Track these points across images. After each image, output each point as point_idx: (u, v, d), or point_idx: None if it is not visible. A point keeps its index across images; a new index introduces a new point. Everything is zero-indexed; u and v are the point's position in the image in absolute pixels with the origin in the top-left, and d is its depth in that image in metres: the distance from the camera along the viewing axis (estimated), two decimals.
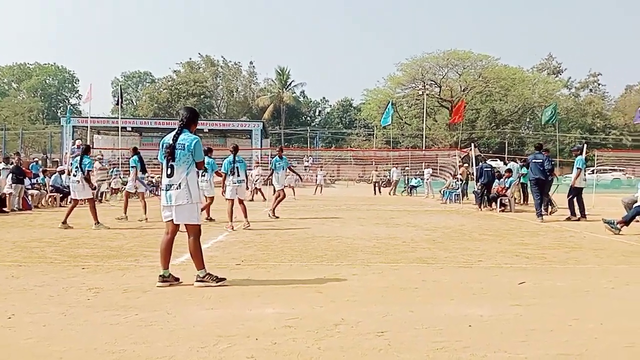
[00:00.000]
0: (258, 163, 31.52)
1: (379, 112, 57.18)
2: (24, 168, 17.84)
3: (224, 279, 5.40)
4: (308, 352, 3.42)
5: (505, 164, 27.71)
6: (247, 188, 13.78)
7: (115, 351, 3.42)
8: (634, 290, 5.43)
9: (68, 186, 18.84)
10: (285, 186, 14.50)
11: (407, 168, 33.83)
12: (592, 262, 7.09)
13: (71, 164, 11.18)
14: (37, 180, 18.69)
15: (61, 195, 17.90)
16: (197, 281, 5.35)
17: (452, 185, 22.88)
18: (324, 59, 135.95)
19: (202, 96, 74.13)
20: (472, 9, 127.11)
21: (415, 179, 31.46)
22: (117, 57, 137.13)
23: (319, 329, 3.91)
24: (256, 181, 24.44)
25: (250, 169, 24.06)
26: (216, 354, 3.37)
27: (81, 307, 4.51)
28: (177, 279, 5.47)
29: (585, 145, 19.86)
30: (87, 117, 37.76)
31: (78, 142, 24.16)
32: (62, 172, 19.19)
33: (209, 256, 5.60)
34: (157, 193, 28.54)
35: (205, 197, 11.82)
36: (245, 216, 11.03)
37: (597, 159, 27.74)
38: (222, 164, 11.28)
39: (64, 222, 10.83)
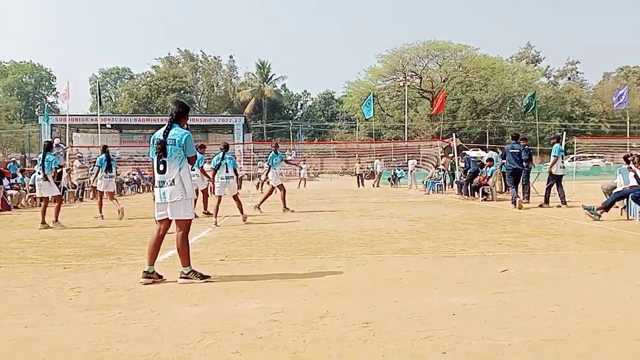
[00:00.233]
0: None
1: (361, 104, 57.30)
2: (1, 168, 17.56)
3: (208, 277, 5.37)
4: (293, 345, 3.42)
5: (486, 152, 27.98)
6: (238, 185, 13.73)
7: (99, 350, 3.38)
8: (615, 275, 5.51)
9: None
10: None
11: (394, 159, 33.96)
12: (573, 249, 7.18)
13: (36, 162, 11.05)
14: (15, 180, 18.41)
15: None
16: (181, 278, 5.32)
17: (434, 176, 23.02)
18: (304, 51, 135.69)
19: (182, 91, 73.49)
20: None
21: (399, 170, 31.64)
22: (94, 54, 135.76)
23: (304, 322, 3.91)
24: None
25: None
26: (201, 350, 3.35)
27: (63, 307, 4.46)
28: (160, 277, 5.43)
29: (564, 133, 20.09)
30: (66, 115, 37.29)
31: (57, 140, 23.83)
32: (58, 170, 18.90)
33: (192, 252, 5.56)
34: (139, 190, 28.38)
35: (199, 190, 11.94)
36: (242, 211, 11.12)
37: (576, 147, 28.02)
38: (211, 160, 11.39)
39: (43, 223, 10.67)
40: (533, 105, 29.54)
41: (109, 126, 54.28)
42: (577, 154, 29.49)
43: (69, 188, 19.94)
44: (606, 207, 10.33)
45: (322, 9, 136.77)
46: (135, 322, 3.99)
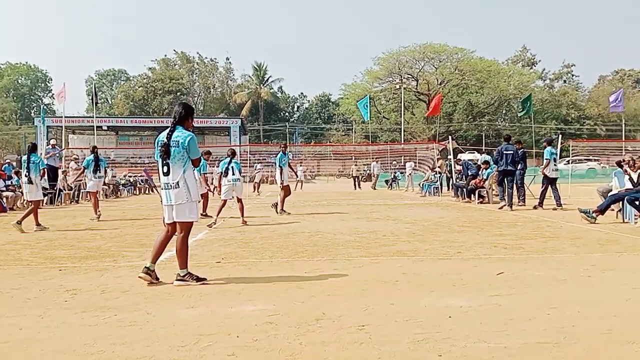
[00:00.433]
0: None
1: (357, 102, 57.34)
2: None
3: (204, 279, 5.36)
4: (289, 347, 3.42)
5: (481, 154, 28.05)
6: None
7: (95, 352, 3.37)
8: (610, 277, 5.52)
9: (43, 187, 18.64)
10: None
11: (394, 162, 33.94)
12: (569, 251, 7.20)
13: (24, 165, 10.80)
14: (11, 182, 18.34)
15: None
16: (177, 280, 5.31)
17: (431, 178, 23.04)
18: (301, 54, 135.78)
19: (178, 93, 73.46)
20: (447, 1, 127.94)
21: (399, 173, 31.70)
22: (90, 55, 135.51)
23: (300, 324, 3.91)
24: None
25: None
26: (197, 353, 3.34)
27: (59, 309, 4.44)
28: (157, 279, 5.42)
29: (560, 136, 20.17)
30: (62, 117, 37.18)
31: (52, 141, 23.75)
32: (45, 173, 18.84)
33: (188, 254, 5.54)
34: (135, 192, 28.32)
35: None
36: (242, 214, 11.23)
37: (572, 149, 28.12)
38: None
39: (38, 225, 10.57)
40: (529, 108, 29.62)
41: (105, 128, 54.25)
42: (572, 156, 29.62)
43: (65, 190, 19.90)
44: (602, 210, 10.36)
45: (318, 11, 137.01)
46: (131, 324, 3.98)
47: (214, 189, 13.92)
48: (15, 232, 10.14)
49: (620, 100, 32.79)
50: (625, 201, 10.35)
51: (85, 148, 41.34)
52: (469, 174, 17.82)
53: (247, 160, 31.86)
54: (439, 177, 22.33)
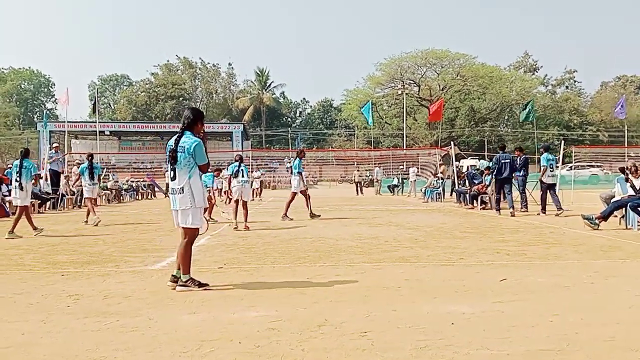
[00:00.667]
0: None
1: (360, 112, 57.38)
2: (0, 175, 17.53)
3: (206, 285, 5.35)
4: (292, 354, 3.41)
5: (481, 160, 28.06)
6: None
7: (97, 358, 3.37)
8: (613, 284, 5.51)
9: (46, 192, 18.69)
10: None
11: (400, 167, 33.92)
12: (571, 258, 7.18)
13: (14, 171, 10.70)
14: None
15: (39, 201, 17.63)
16: (180, 285, 5.30)
17: (433, 184, 23.03)
18: (303, 59, 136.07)
19: (180, 98, 73.63)
20: (449, 8, 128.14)
21: (397, 178, 31.69)
22: (93, 61, 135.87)
23: (303, 330, 3.90)
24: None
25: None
26: (199, 359, 3.34)
27: (61, 314, 4.44)
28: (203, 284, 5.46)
29: (562, 142, 20.15)
30: (64, 122, 37.26)
31: (55, 145, 23.80)
32: (39, 178, 18.88)
33: (192, 260, 5.53)
34: (138, 197, 28.33)
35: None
36: (246, 219, 11.43)
37: (574, 155, 28.07)
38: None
39: (35, 229, 10.48)
40: (530, 114, 29.59)
41: (108, 133, 54.33)
42: (575, 162, 29.57)
43: (68, 194, 19.92)
44: (605, 217, 10.34)
45: (321, 17, 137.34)
46: (133, 329, 3.97)
47: (224, 193, 14.16)
48: (17, 238, 10.12)
49: (622, 107, 32.79)
50: (628, 207, 10.33)
51: (87, 153, 41.45)
52: (475, 183, 17.87)
53: (249, 165, 31.90)
54: (442, 182, 22.33)
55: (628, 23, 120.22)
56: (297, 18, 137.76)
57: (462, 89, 60.80)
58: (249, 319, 4.23)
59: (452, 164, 22.66)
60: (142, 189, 30.01)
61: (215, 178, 13.17)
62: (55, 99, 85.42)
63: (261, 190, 29.50)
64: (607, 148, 41.27)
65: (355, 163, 43.45)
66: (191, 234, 5.41)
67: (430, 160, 29.25)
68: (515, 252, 7.71)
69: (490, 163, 19.80)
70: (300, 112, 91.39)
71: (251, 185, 28.62)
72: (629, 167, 10.92)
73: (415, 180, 28.03)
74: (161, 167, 43.89)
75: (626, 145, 36.27)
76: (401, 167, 33.91)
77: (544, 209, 13.88)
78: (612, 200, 11.01)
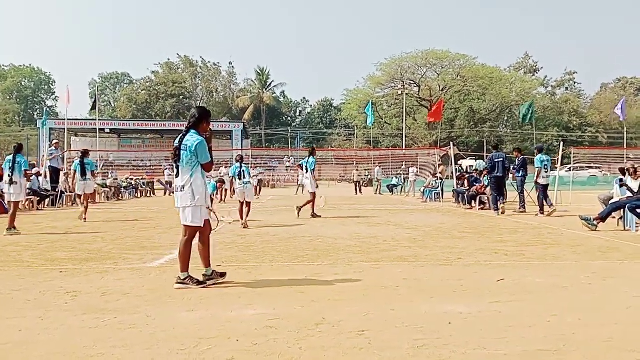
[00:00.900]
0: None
1: (360, 112, 57.42)
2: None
3: (204, 283, 5.36)
4: (289, 352, 3.41)
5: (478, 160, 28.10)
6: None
7: (94, 355, 3.37)
8: (611, 285, 5.52)
9: (45, 189, 18.69)
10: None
11: (403, 168, 33.90)
12: (569, 259, 7.19)
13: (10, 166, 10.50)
14: None
15: (38, 198, 17.63)
16: (178, 283, 5.31)
17: (432, 184, 23.04)
18: (303, 59, 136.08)
19: (181, 97, 73.59)
20: (449, 8, 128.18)
21: (396, 177, 31.69)
22: (94, 58, 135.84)
23: (300, 329, 3.90)
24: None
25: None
26: (196, 356, 3.34)
27: (59, 311, 4.44)
28: (222, 274, 5.55)
29: (562, 143, 20.17)
30: (64, 119, 37.25)
31: (55, 141, 23.79)
32: (39, 174, 18.90)
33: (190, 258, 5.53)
34: (136, 195, 28.32)
35: None
36: (247, 217, 11.52)
37: (573, 157, 28.09)
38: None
39: (9, 229, 10.13)
40: (530, 115, 29.62)
41: (108, 130, 54.30)
42: (574, 164, 29.59)
43: (67, 192, 19.92)
44: (603, 218, 10.35)
45: (321, 17, 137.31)
46: (131, 327, 3.98)
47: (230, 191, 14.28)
48: (15, 234, 10.12)
49: (622, 109, 32.84)
50: (626, 209, 10.34)
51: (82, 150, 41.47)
52: (474, 184, 17.91)
53: (249, 164, 31.90)
54: (440, 182, 22.34)
55: (628, 24, 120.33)
56: (299, 19, 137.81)
57: (462, 90, 60.79)
58: (246, 317, 4.23)
59: (452, 164, 22.69)
60: (142, 187, 29.98)
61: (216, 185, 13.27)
62: (56, 96, 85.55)
63: (260, 189, 29.47)
64: (607, 150, 41.32)
65: (355, 163, 43.47)
66: (191, 232, 5.42)
67: (430, 160, 29.27)
68: (513, 252, 7.72)
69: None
70: (300, 112, 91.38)
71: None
72: (628, 169, 10.94)
73: (414, 180, 28.04)
74: (160, 165, 43.88)
75: (625, 147, 36.32)
76: (403, 167, 33.88)
77: (542, 210, 13.94)
78: (610, 202, 11.02)
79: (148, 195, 30.20)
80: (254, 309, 4.47)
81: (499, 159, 14.70)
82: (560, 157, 19.99)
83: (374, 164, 37.79)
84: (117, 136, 59.15)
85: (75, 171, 13.52)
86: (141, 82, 78.54)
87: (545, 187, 14.27)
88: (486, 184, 16.93)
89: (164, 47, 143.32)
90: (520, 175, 15.31)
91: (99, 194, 23.15)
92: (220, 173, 24.08)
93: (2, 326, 4.04)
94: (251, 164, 33.41)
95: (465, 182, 18.86)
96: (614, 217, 10.86)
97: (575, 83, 74.55)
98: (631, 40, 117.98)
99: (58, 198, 19.25)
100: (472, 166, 26.43)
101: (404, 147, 45.52)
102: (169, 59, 79.70)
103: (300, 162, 14.82)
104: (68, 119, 36.91)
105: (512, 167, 15.76)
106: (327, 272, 6.18)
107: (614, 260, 7.09)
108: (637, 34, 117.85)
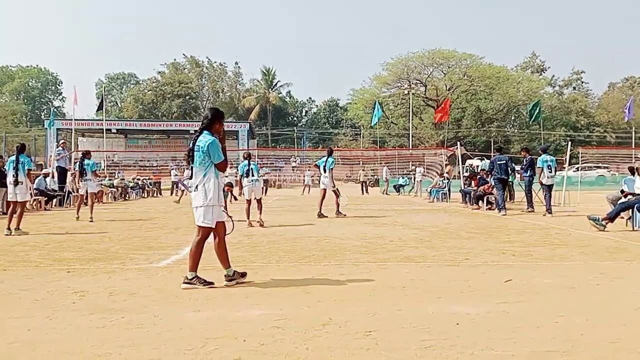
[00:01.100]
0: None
1: (366, 112, 57.37)
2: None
3: (211, 283, 5.36)
4: (296, 352, 3.41)
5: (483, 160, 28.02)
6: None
7: (102, 354, 3.38)
8: (620, 286, 5.48)
9: (53, 189, 18.77)
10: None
11: (411, 169, 33.85)
12: (577, 259, 7.15)
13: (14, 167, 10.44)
14: None
15: (46, 198, 17.72)
16: (185, 282, 5.31)
17: (439, 184, 22.99)
18: (309, 58, 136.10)
19: (187, 97, 73.79)
20: (456, 7, 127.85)
21: (402, 177, 31.63)
22: (100, 59, 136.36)
23: (307, 329, 3.90)
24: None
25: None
26: (203, 356, 3.34)
27: (66, 311, 4.46)
28: (242, 274, 5.57)
29: (569, 143, 20.07)
30: (71, 120, 37.42)
31: (62, 142, 23.90)
32: (46, 175, 18.98)
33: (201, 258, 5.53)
34: (143, 195, 28.42)
35: None
36: (260, 215, 11.70)
37: (581, 156, 27.94)
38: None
39: (8, 229, 10.17)
40: (538, 115, 29.48)
41: (114, 131, 54.49)
42: (582, 163, 29.44)
43: (74, 192, 19.99)
44: (611, 218, 10.29)
45: (327, 17, 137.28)
46: (138, 326, 3.99)
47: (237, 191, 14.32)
48: (23, 234, 10.17)
49: (630, 108, 32.65)
50: (635, 209, 10.28)
51: (93, 151, 41.65)
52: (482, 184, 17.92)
53: (256, 162, 31.99)
54: (447, 182, 22.29)
55: (636, 24, 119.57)
56: (305, 19, 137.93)
57: (469, 89, 60.61)
58: (253, 317, 4.23)
59: (459, 164, 22.62)
60: (148, 187, 30.08)
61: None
62: (63, 97, 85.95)
63: (266, 189, 29.50)
64: (615, 149, 41.09)
65: (361, 162, 43.40)
66: (203, 232, 5.42)
67: (436, 160, 29.19)
68: (521, 252, 7.69)
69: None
70: (306, 112, 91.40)
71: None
72: (637, 168, 10.88)
73: (421, 180, 27.98)
74: (167, 165, 44.01)
75: (633, 147, 36.11)
76: (411, 168, 33.79)
77: (549, 210, 13.90)
78: (619, 202, 10.96)
79: (155, 195, 30.32)
80: (261, 309, 4.47)
81: (501, 162, 14.92)
82: (568, 157, 19.89)
83: (380, 164, 37.73)
84: (124, 136, 59.38)
85: (78, 172, 13.73)
86: (147, 83, 78.82)
87: (549, 188, 14.24)
88: (493, 184, 16.89)
89: (169, 49, 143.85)
90: (527, 175, 15.27)
91: (106, 194, 23.25)
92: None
93: (11, 325, 4.05)
94: (257, 164, 33.47)
95: (473, 182, 18.81)
96: (622, 217, 10.80)
97: (582, 82, 74.25)
98: (639, 39, 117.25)
99: (65, 198, 19.32)
100: (478, 166, 26.34)
101: (410, 147, 45.42)
102: (175, 59, 79.98)
103: (316, 163, 14.81)
104: (75, 120, 37.03)
105: (520, 167, 15.80)
106: (333, 272, 6.17)
107: (622, 260, 7.05)
108: None
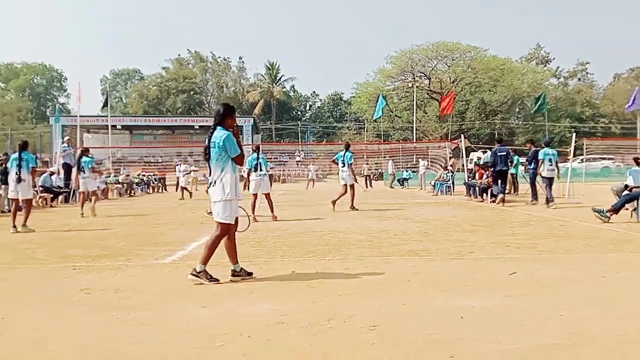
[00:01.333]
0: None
1: (370, 106, 57.22)
2: None
3: (217, 280, 5.35)
4: (301, 347, 3.42)
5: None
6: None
7: (108, 350, 3.40)
8: (625, 278, 5.47)
9: (58, 186, 18.83)
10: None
11: (421, 161, 33.78)
12: (582, 251, 7.13)
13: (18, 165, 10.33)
14: None
15: (52, 195, 17.78)
16: (192, 274, 5.33)
17: (443, 177, 22.94)
18: (313, 53, 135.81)
19: (191, 92, 73.80)
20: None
21: (407, 171, 31.57)
22: (105, 55, 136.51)
23: (312, 324, 3.91)
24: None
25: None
26: (210, 352, 3.36)
27: (73, 308, 4.48)
28: (249, 273, 5.55)
29: (574, 134, 19.97)
30: (77, 116, 37.47)
31: (67, 138, 23.95)
32: (52, 173, 19.04)
33: (201, 253, 5.54)
34: (148, 190, 28.49)
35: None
36: (272, 210, 11.74)
37: (586, 148, 27.82)
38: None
39: (14, 227, 10.13)
40: (542, 107, 29.37)
41: (119, 127, 54.54)
42: (587, 155, 29.31)
43: (79, 189, 20.04)
44: (616, 210, 10.26)
45: (331, 10, 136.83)
46: (144, 323, 4.01)
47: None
48: (30, 232, 10.20)
49: (635, 99, 32.47)
50: (639, 200, 10.24)
51: (99, 147, 41.77)
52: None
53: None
54: (451, 175, 22.24)
55: None
56: (309, 13, 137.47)
57: (473, 82, 60.34)
58: (259, 312, 4.25)
59: (462, 157, 22.57)
60: (153, 183, 30.13)
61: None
62: (68, 93, 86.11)
63: (270, 184, 29.51)
64: (620, 140, 40.92)
65: (365, 156, 43.36)
66: (222, 229, 5.40)
67: (440, 153, 29.14)
68: (525, 245, 7.68)
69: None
70: (310, 106, 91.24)
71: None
72: None
73: (424, 173, 27.93)
74: (172, 161, 44.09)
75: (638, 138, 35.94)
76: (415, 161, 33.70)
77: (551, 200, 13.98)
78: (623, 193, 10.92)
79: (160, 191, 30.37)
80: (266, 304, 4.49)
81: (502, 153, 15.03)
82: (572, 148, 19.80)
83: (385, 157, 37.68)
84: (129, 132, 59.42)
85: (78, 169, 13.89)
86: (152, 78, 78.84)
87: (550, 180, 14.27)
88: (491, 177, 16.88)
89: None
90: (532, 167, 15.23)
91: (111, 190, 23.31)
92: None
93: (17, 323, 4.08)
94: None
95: (477, 174, 18.78)
96: (627, 209, 10.76)
97: (587, 73, 73.77)
98: None
99: (71, 195, 19.37)
100: (480, 158, 26.29)
101: (414, 140, 45.35)
102: (179, 55, 79.93)
103: (334, 159, 14.76)
104: (80, 116, 37.10)
105: (525, 159, 15.83)
106: (338, 266, 6.18)
107: (627, 252, 7.04)
108: None
